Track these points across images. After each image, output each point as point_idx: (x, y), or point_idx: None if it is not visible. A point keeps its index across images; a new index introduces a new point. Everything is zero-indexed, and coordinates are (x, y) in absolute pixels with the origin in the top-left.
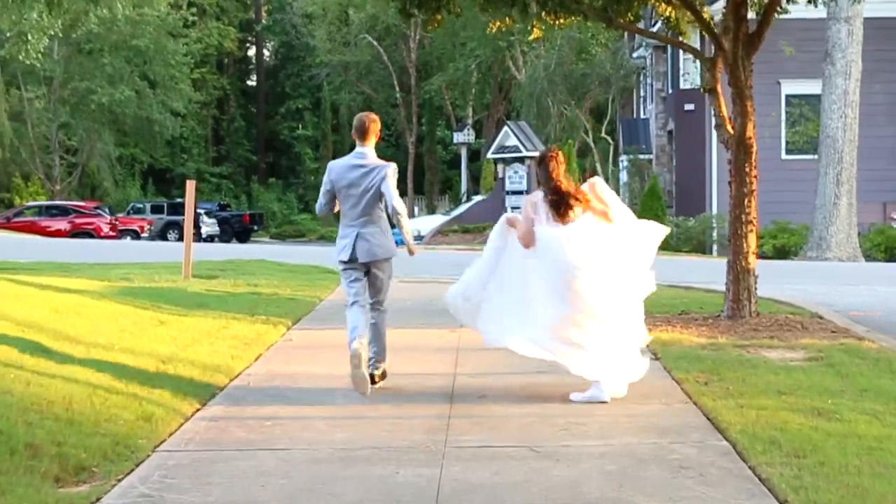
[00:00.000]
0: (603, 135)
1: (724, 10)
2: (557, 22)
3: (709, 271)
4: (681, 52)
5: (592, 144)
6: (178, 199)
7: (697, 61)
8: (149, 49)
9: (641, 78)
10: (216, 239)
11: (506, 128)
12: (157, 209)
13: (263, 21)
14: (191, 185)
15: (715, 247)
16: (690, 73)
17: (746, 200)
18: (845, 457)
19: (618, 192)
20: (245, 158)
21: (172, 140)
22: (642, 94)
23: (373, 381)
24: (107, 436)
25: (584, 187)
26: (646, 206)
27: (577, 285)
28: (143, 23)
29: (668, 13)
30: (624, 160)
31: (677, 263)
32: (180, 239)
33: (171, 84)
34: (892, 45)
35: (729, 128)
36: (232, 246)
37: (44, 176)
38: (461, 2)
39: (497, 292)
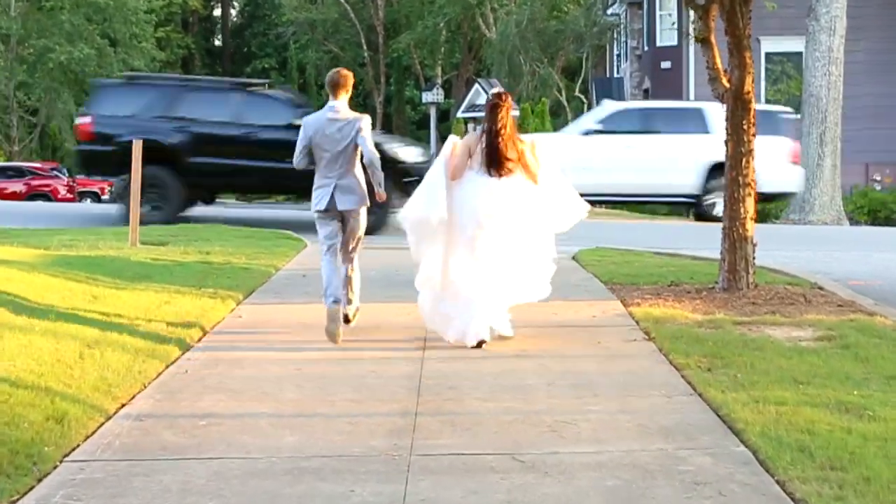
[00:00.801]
0: (577, 94)
1: None
2: None
3: (692, 236)
4: (657, 6)
5: (566, 103)
6: None
7: (674, 15)
8: (109, 6)
9: (615, 35)
10: None
11: (476, 85)
12: None
13: None
14: (137, 146)
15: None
16: (667, 30)
17: (744, 161)
18: (893, 470)
19: None
20: None
21: None
22: (616, 52)
23: (346, 321)
24: (5, 444)
25: (525, 141)
26: None
27: (484, 237)
28: None
29: None
30: None
31: (657, 229)
32: None
33: (133, 43)
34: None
35: (724, 81)
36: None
37: (2, 136)
38: None
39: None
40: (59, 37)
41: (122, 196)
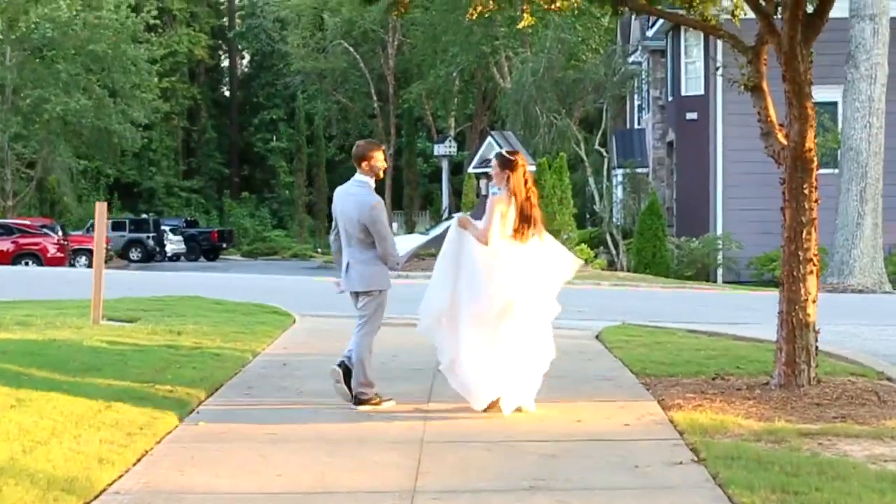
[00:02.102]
0: (596, 146)
1: None
2: (553, 6)
3: (727, 307)
4: (682, 54)
5: (584, 157)
6: (144, 216)
7: (700, 63)
8: (107, 55)
9: (637, 85)
10: (182, 258)
11: (489, 138)
12: (118, 226)
13: (237, 28)
14: (101, 208)
15: (720, 271)
16: (693, 78)
17: (805, 232)
18: None
19: (612, 209)
20: (217, 171)
21: (140, 152)
22: (637, 102)
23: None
24: None
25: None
26: (645, 224)
27: (511, 313)
28: (101, 27)
29: None
30: (619, 174)
31: (688, 297)
32: (144, 258)
33: (133, 93)
34: None
35: (781, 137)
36: (191, 266)
37: None
38: None
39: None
40: (56, 87)
41: None
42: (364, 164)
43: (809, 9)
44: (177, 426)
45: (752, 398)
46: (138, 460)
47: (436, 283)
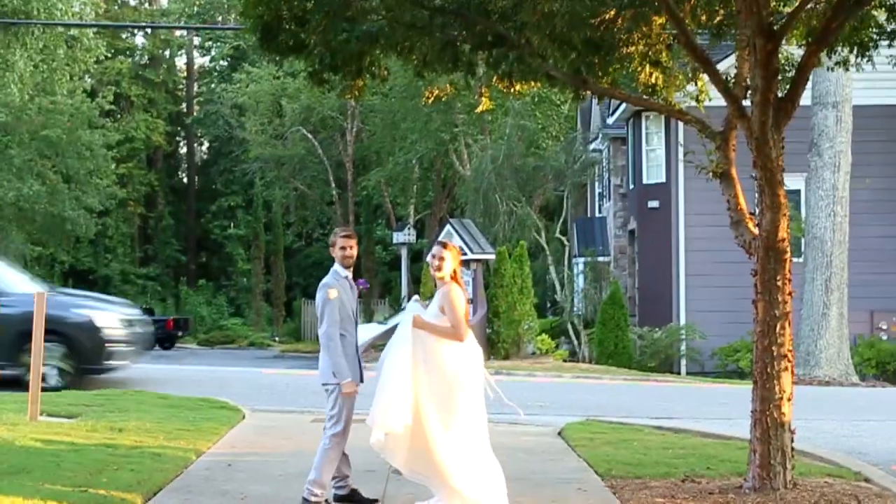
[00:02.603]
0: (557, 235)
1: (743, 67)
2: (513, 88)
3: (693, 400)
4: (643, 142)
5: (545, 245)
6: None
7: (660, 152)
8: (61, 140)
9: (598, 173)
10: None
11: (448, 226)
12: None
13: (194, 114)
14: (40, 299)
15: (684, 362)
16: (654, 167)
17: (779, 326)
18: None
19: (573, 298)
20: (174, 259)
21: (96, 239)
22: (598, 190)
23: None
24: None
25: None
26: (606, 314)
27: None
28: (56, 111)
29: (653, 80)
30: (580, 262)
31: (652, 391)
32: None
33: (88, 179)
34: (880, 135)
35: (752, 227)
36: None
37: None
38: (389, 64)
39: None
40: (9, 172)
41: None
42: (332, 251)
43: (780, 94)
44: None
45: (725, 503)
46: None
47: (394, 386)
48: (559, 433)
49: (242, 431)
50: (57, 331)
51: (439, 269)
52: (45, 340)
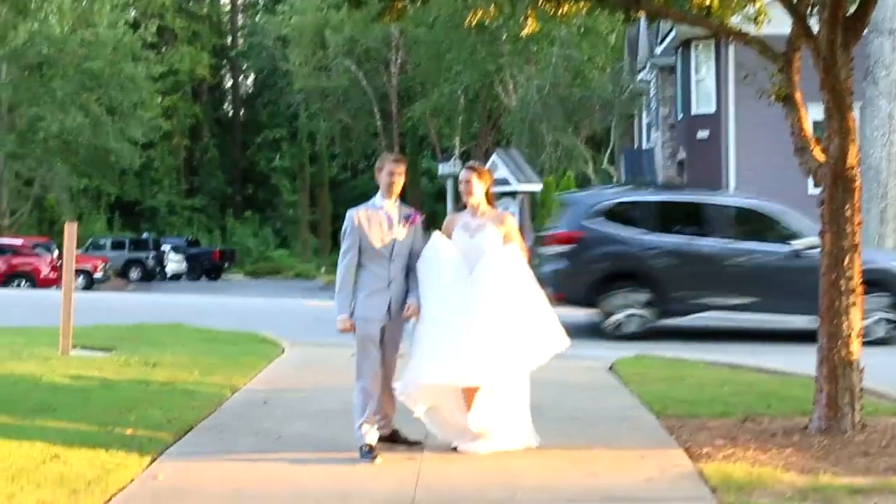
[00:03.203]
0: (604, 165)
1: None
2: (559, 11)
3: (743, 333)
4: (692, 71)
5: (592, 176)
6: (145, 235)
7: (708, 79)
8: (104, 73)
9: (646, 103)
10: (183, 277)
11: (494, 156)
12: (118, 245)
13: (239, 46)
14: (70, 228)
15: None
16: (704, 96)
17: (847, 259)
18: None
19: None
20: (219, 190)
21: (142, 171)
22: (646, 121)
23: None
24: None
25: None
26: None
27: None
28: (98, 44)
29: (708, 1)
30: None
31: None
32: (143, 278)
33: (131, 111)
34: None
35: (818, 153)
36: (191, 287)
37: None
38: None
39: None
40: (52, 105)
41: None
42: (378, 176)
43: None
44: (132, 480)
45: (789, 445)
46: None
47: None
48: (610, 368)
49: (281, 366)
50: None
51: (469, 193)
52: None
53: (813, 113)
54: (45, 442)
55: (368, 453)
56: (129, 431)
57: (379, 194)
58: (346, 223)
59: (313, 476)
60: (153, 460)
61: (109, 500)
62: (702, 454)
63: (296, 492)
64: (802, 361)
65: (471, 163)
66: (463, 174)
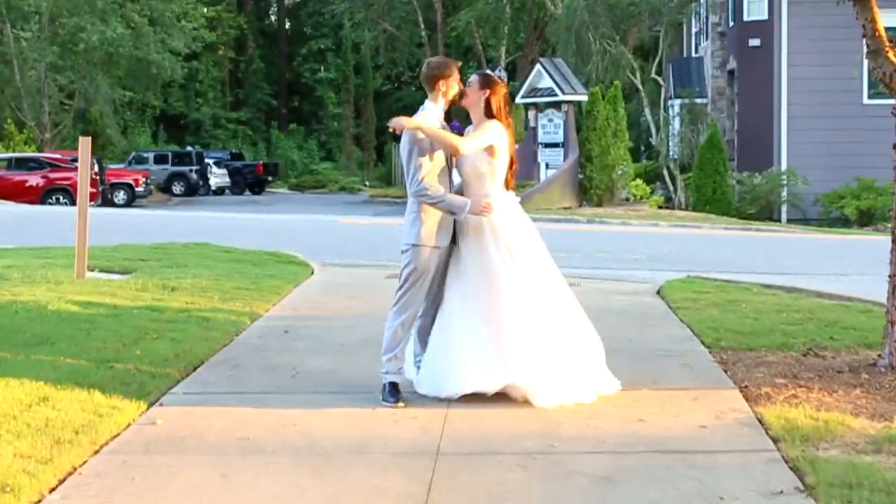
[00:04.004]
0: (652, 75)
1: None
2: None
3: (799, 253)
4: None
5: (640, 86)
6: (189, 148)
7: None
8: None
9: (694, 11)
10: (227, 191)
11: (538, 66)
12: (160, 159)
13: None
14: (85, 143)
15: (785, 209)
16: (756, 2)
17: None
18: None
19: (669, 142)
20: (265, 103)
21: (186, 83)
22: (695, 29)
23: None
24: None
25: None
26: (704, 159)
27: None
28: None
29: None
30: (676, 105)
31: (756, 242)
32: (187, 192)
33: (173, 21)
34: None
35: (893, 56)
36: (234, 201)
37: (33, 122)
38: None
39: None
40: (92, 15)
41: None
42: (428, 87)
43: None
44: (128, 426)
45: (857, 385)
46: (54, 488)
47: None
48: (657, 292)
49: (308, 290)
50: None
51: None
52: None
53: (886, 19)
54: (36, 381)
55: (391, 395)
56: (131, 367)
57: (433, 104)
58: (414, 136)
59: (328, 422)
60: (153, 403)
61: (98, 451)
62: (761, 395)
63: (306, 442)
64: (861, 284)
65: (491, 73)
66: (471, 79)
